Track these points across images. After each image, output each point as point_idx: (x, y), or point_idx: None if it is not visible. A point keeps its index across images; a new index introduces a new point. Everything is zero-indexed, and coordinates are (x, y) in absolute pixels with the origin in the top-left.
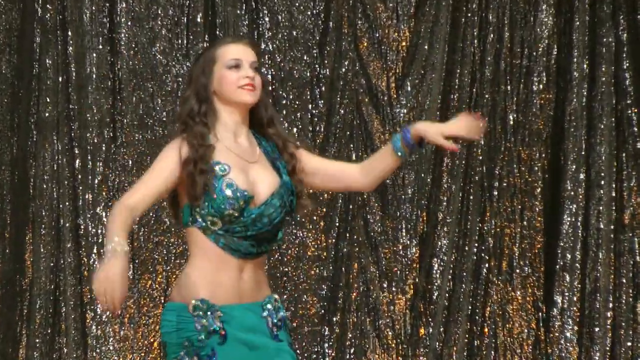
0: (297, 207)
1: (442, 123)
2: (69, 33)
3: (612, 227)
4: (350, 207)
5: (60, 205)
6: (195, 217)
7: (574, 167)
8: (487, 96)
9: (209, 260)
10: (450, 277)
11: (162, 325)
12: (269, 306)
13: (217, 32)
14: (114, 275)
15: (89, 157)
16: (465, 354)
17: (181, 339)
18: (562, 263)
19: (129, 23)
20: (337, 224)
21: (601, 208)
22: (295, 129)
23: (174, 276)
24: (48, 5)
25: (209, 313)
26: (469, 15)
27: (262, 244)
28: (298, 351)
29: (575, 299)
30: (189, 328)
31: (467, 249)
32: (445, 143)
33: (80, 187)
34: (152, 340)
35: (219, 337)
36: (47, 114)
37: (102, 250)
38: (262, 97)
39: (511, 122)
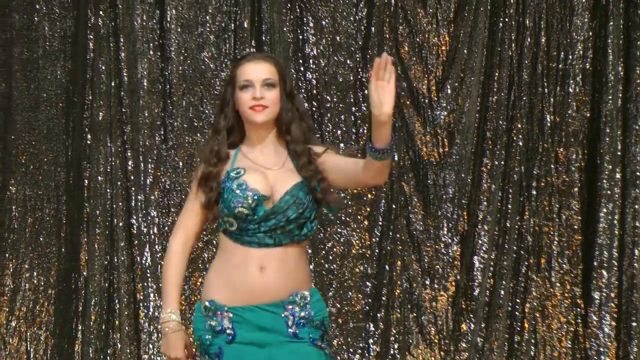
0: (329, 204)
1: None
2: (121, 39)
3: None
4: (393, 206)
5: (114, 206)
6: (219, 221)
7: (610, 166)
8: (524, 98)
9: (227, 260)
10: (490, 274)
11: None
12: (290, 306)
13: (263, 38)
14: (177, 356)
15: (141, 159)
16: (505, 349)
17: (195, 338)
18: (599, 260)
19: (179, 30)
20: (381, 223)
21: (637, 207)
22: (339, 131)
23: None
24: (101, 13)
25: (218, 313)
26: (507, 19)
27: (278, 236)
28: (344, 347)
29: (612, 295)
30: (200, 327)
31: (506, 246)
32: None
33: (133, 188)
34: None
35: (227, 336)
36: (100, 118)
37: (154, 249)
38: (281, 107)
39: (548, 124)
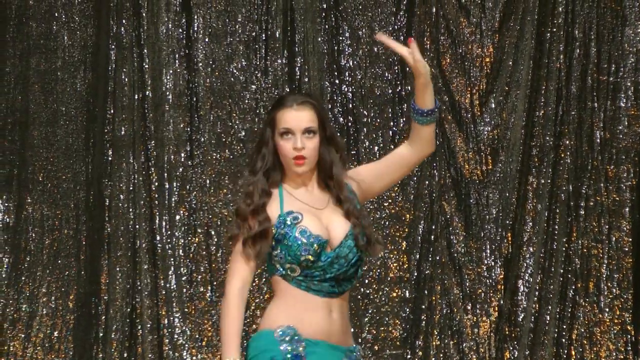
0: (371, 251)
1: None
2: (145, 49)
3: None
4: (433, 227)
5: (137, 226)
6: (275, 266)
7: None
8: (573, 113)
9: (294, 301)
10: (536, 298)
11: (248, 352)
12: (351, 354)
13: (296, 49)
14: None
15: (166, 177)
16: None
17: (265, 359)
18: None
19: (206, 39)
20: (420, 245)
21: None
22: (375, 148)
23: (255, 299)
24: (124, 21)
25: (294, 339)
26: (555, 30)
27: (342, 283)
28: None
29: None
30: (274, 349)
31: (553, 269)
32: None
33: (157, 207)
34: None
35: None
36: (122, 132)
37: (179, 272)
38: (321, 152)
39: (598, 140)
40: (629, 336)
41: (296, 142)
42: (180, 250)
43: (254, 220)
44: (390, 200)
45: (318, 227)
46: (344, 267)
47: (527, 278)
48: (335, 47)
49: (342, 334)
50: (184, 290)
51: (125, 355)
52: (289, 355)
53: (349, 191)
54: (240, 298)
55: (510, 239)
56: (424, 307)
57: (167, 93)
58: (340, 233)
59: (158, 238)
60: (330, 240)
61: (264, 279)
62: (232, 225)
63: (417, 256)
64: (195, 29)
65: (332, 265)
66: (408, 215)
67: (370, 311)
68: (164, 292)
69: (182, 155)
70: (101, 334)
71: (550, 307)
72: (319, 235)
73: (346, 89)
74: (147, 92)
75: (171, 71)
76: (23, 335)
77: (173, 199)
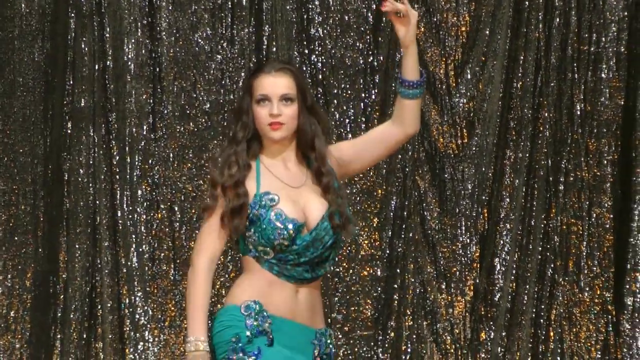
0: (345, 232)
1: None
2: (106, 18)
3: None
4: (406, 203)
5: (97, 202)
6: (249, 247)
7: None
8: (552, 85)
9: (262, 278)
10: (513, 277)
11: (213, 327)
12: (320, 337)
13: (264, 17)
14: None
15: (127, 150)
16: (529, 359)
17: (230, 336)
18: (632, 262)
19: (170, 7)
20: (392, 221)
21: None
22: (347, 120)
23: (220, 277)
24: None
25: (260, 314)
26: None
27: (315, 269)
28: (351, 357)
29: None
30: (239, 325)
31: (531, 247)
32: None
33: (118, 182)
34: None
35: (267, 339)
36: (82, 104)
37: (141, 249)
38: (300, 122)
39: (578, 112)
40: (610, 316)
41: (272, 108)
42: (142, 227)
43: (233, 192)
44: (361, 175)
45: (294, 209)
46: (319, 249)
47: (503, 256)
48: (305, 16)
49: (309, 314)
50: (146, 268)
51: (85, 336)
52: (254, 331)
53: (329, 167)
54: (208, 273)
55: (486, 215)
56: (396, 286)
57: (129, 63)
58: (317, 215)
59: (119, 214)
60: (306, 223)
61: (229, 257)
62: (207, 196)
63: (390, 233)
64: None
65: (308, 248)
66: (380, 191)
67: (340, 290)
68: (125, 271)
69: (145, 128)
70: (60, 314)
71: (527, 287)
72: (295, 219)
73: (316, 59)
74: (108, 62)
75: (133, 40)
76: None
77: (135, 174)
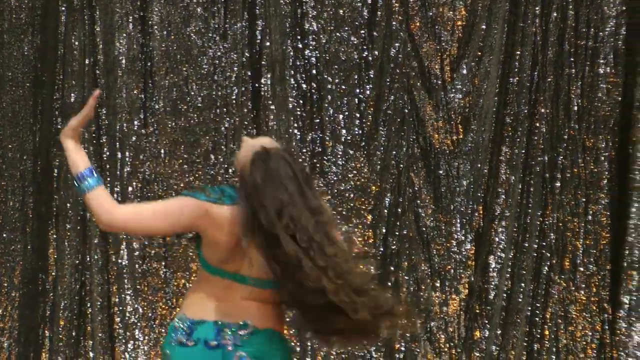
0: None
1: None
2: (97, 11)
3: None
4: (400, 200)
5: None
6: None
7: None
8: (549, 80)
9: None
10: (508, 275)
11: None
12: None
13: (257, 11)
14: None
15: (118, 146)
16: (524, 358)
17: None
18: (629, 260)
19: (162, 1)
20: (386, 218)
21: None
22: (341, 116)
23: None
24: None
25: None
26: None
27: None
28: (344, 356)
29: None
30: (168, 339)
31: (526, 245)
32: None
33: (109, 178)
34: None
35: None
36: (72, 99)
37: (131, 247)
38: None
39: (575, 108)
40: (606, 315)
41: None
42: None
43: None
44: (355, 172)
45: None
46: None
47: (499, 254)
48: (299, 10)
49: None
50: (136, 266)
51: (74, 334)
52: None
53: None
54: (114, 208)
55: (481, 212)
56: (390, 284)
57: (120, 58)
58: None
59: None
60: None
61: None
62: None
63: (384, 230)
64: None
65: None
66: (374, 187)
67: None
68: (115, 268)
69: (136, 123)
70: (49, 312)
71: (523, 285)
72: None
73: (310, 54)
74: (99, 57)
75: (124, 34)
76: None
77: (125, 170)
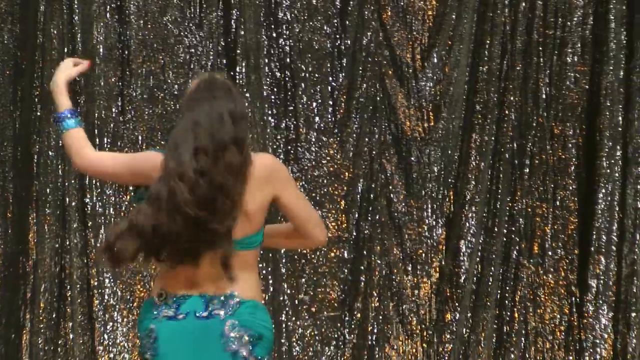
0: None
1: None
2: (75, 1)
3: None
4: (373, 186)
5: (66, 183)
6: None
7: (610, 143)
8: (518, 68)
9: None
10: (478, 259)
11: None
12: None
13: (232, 0)
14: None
15: (96, 133)
16: (493, 340)
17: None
18: (597, 245)
19: None
20: (359, 204)
21: (639, 187)
22: (314, 104)
23: None
24: None
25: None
26: None
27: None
28: (318, 337)
29: (610, 283)
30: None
31: (496, 230)
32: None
33: None
34: None
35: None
36: None
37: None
38: None
39: (544, 96)
40: (574, 298)
41: None
42: (111, 209)
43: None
44: (328, 158)
45: None
46: None
47: (469, 238)
48: None
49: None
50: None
51: (54, 316)
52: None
53: None
54: (88, 149)
55: (452, 198)
56: (362, 267)
57: (98, 46)
58: None
59: (88, 196)
60: None
61: None
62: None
63: (356, 215)
64: None
65: None
66: (347, 173)
67: (307, 272)
68: (94, 252)
69: (114, 110)
70: (29, 295)
71: (493, 269)
72: None
73: (283, 43)
74: (77, 46)
75: (102, 24)
76: None
77: None
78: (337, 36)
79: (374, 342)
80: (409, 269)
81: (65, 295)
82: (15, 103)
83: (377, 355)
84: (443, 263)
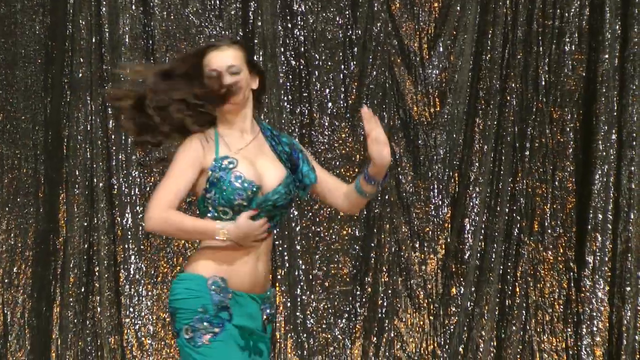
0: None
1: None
2: None
3: None
4: None
5: (94, 165)
6: (208, 208)
7: (606, 127)
8: (519, 57)
9: (224, 250)
10: (481, 237)
11: (177, 292)
12: (267, 301)
13: None
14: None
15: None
16: (496, 313)
17: (197, 305)
18: (593, 223)
19: None
20: None
21: (633, 168)
22: (327, 90)
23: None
24: None
25: (224, 290)
26: None
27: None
28: (331, 310)
29: (606, 258)
30: (206, 297)
31: (498, 209)
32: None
33: (114, 147)
34: None
35: (228, 314)
36: (80, 75)
37: (135, 210)
38: (245, 92)
39: (543, 83)
40: (572, 273)
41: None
42: (137, 189)
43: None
44: (340, 142)
45: (252, 173)
46: (269, 207)
47: (473, 217)
48: None
49: (266, 279)
50: (140, 227)
51: (83, 290)
52: (219, 306)
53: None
54: (172, 211)
55: (457, 179)
56: (373, 244)
57: (124, 36)
58: (273, 181)
59: (115, 177)
60: (262, 187)
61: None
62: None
63: None
64: None
65: (261, 208)
66: (358, 156)
67: (321, 249)
68: (120, 230)
69: None
70: (59, 270)
71: (495, 245)
72: (253, 181)
73: (298, 33)
74: (104, 35)
75: (128, 15)
76: None
77: (129, 139)
78: (349, 27)
79: (383, 315)
80: (417, 246)
81: (93, 271)
82: (46, 90)
83: (386, 327)
84: (448, 240)
